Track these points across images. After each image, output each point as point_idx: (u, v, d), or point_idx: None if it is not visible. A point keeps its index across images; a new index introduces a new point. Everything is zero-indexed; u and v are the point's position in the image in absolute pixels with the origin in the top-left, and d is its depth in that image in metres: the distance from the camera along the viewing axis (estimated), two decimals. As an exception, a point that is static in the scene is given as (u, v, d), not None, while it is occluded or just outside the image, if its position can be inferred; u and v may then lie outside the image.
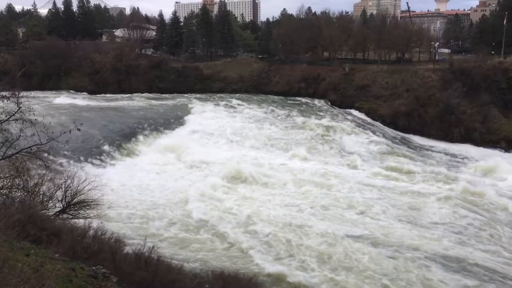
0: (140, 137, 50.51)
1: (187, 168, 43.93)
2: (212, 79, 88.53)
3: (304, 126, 60.46)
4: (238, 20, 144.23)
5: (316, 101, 76.26)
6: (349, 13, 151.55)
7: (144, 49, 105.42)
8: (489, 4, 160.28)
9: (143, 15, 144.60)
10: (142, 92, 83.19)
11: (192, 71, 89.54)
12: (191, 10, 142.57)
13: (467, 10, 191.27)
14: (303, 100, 77.11)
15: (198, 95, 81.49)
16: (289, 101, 76.36)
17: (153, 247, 14.50)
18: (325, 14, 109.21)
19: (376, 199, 37.45)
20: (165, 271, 13.79)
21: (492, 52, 79.86)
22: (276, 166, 45.41)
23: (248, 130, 58.33)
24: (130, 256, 14.57)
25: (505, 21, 76.78)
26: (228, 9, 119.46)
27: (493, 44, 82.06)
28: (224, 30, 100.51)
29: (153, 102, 73.33)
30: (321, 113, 67.40)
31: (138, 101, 73.80)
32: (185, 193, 36.71)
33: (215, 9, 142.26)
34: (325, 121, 61.55)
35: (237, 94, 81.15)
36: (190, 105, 68.31)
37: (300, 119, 63.14)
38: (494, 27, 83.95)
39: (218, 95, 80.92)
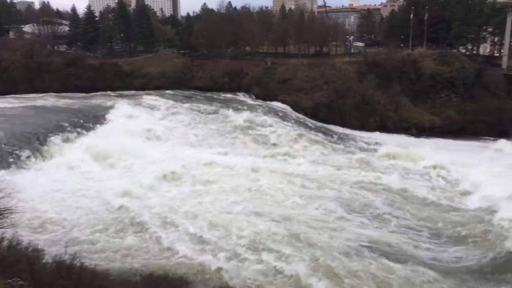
0: (58, 139, 47.33)
1: (110, 169, 42.20)
2: (133, 75, 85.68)
3: (231, 121, 60.55)
4: (158, 14, 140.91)
5: (241, 96, 76.80)
6: (269, 7, 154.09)
7: (57, 45, 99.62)
8: (397, 0, 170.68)
9: (54, 9, 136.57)
10: (56, 91, 78.21)
11: (111, 67, 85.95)
12: (107, 4, 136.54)
13: (378, 5, 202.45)
14: (228, 95, 77.29)
15: (118, 93, 78.59)
16: (213, 97, 76.08)
17: (75, 254, 13.83)
18: (245, 9, 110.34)
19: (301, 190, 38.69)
20: (90, 278, 13.19)
21: (401, 45, 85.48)
22: (211, 164, 44.52)
23: (174, 127, 57.39)
24: (50, 265, 13.77)
25: (411, 16, 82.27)
26: (146, 4, 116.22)
27: (402, 37, 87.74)
28: (143, 25, 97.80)
29: (70, 101, 69.34)
30: (246, 107, 67.92)
31: (53, 101, 69.34)
32: (110, 194, 35.21)
33: (133, 3, 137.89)
34: (251, 115, 61.82)
35: (161, 91, 79.26)
36: (110, 103, 65.51)
37: (226, 114, 63.18)
38: (402, 21, 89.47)
39: (140, 92, 78.55)
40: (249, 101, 73.78)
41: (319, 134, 59.93)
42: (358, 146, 56.41)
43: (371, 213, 34.50)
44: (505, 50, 76.32)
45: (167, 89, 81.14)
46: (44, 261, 14.57)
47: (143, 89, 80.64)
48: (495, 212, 33.41)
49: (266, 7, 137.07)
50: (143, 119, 58.82)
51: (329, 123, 66.52)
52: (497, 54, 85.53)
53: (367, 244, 28.57)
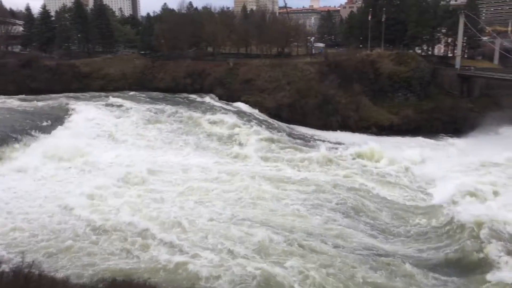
0: (14, 142, 45.45)
1: (72, 172, 40.71)
2: (92, 77, 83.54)
3: (195, 123, 59.93)
4: (117, 14, 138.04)
5: (204, 97, 76.11)
6: (230, 8, 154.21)
7: (11, 46, 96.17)
8: (356, 1, 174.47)
9: (7, 8, 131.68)
10: (11, 94, 74.56)
11: (69, 68, 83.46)
12: (63, 4, 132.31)
13: (338, 7, 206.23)
14: (191, 96, 76.50)
15: (77, 94, 76.29)
16: (176, 98, 75.15)
17: (33, 262, 13.34)
18: (206, 9, 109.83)
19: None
20: (49, 286, 12.78)
21: (361, 45, 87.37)
22: (178, 165, 43.62)
23: (137, 129, 56.16)
24: (7, 275, 13.23)
25: (369, 17, 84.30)
26: (104, 3, 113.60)
27: (361, 38, 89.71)
28: (102, 25, 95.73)
29: (26, 104, 66.51)
30: (209, 108, 67.51)
31: (7, 103, 66.44)
32: (70, 198, 33.85)
33: (90, 3, 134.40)
34: (215, 117, 61.29)
35: (120, 92, 77.52)
36: (68, 105, 63.43)
37: (189, 115, 62.48)
38: (361, 22, 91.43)
39: (99, 93, 76.62)
40: (213, 102, 73.36)
41: (287, 135, 60.26)
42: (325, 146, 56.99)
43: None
44: (458, 51, 79.62)
45: (128, 90, 79.61)
46: (0, 270, 13.98)
47: (102, 91, 78.81)
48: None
49: (228, 8, 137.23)
50: (105, 121, 57.13)
51: (292, 123, 67.18)
52: (451, 55, 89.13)
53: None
